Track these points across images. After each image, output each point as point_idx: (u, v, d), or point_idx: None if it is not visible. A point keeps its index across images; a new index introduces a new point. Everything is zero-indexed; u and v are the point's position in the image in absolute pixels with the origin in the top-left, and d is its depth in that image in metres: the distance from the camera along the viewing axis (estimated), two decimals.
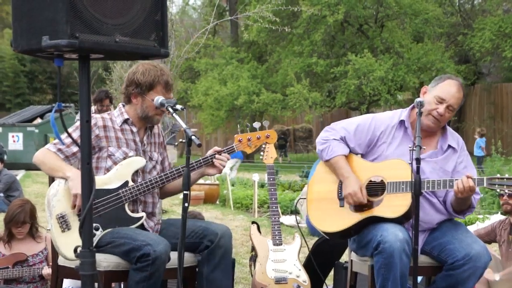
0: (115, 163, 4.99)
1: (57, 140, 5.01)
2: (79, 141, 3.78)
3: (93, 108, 10.67)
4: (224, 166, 5.16)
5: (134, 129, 5.11)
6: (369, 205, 5.02)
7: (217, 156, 5.12)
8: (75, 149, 4.95)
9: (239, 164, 20.59)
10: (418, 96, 5.19)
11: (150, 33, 3.43)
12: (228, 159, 5.19)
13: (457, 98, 5.05)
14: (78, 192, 4.73)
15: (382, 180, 5.02)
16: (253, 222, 6.64)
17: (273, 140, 5.49)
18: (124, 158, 5.01)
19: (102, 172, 4.95)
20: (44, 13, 3.13)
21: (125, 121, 5.10)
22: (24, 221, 6.50)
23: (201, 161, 5.11)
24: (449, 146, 5.17)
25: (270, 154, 6.30)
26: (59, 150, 4.94)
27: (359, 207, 5.04)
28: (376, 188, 5.04)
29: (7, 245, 6.55)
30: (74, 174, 4.81)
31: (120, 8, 3.30)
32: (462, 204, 4.94)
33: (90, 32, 3.17)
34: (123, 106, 5.17)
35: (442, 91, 5.06)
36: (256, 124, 5.44)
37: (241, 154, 20.21)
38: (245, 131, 5.39)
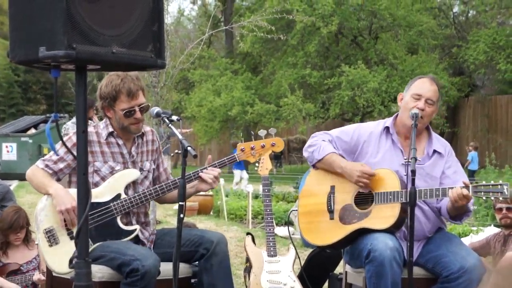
0: (102, 178, 4.95)
1: (46, 156, 5.00)
2: (72, 151, 3.78)
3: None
4: (214, 180, 5.03)
5: (120, 142, 5.04)
6: (359, 216, 5.02)
7: (204, 170, 5.03)
8: (61, 165, 4.92)
9: (246, 177, 20.56)
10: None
11: (147, 44, 3.43)
12: (219, 173, 5.06)
13: (432, 90, 5.11)
14: (61, 208, 4.72)
15: (370, 191, 5.02)
16: (247, 233, 6.64)
17: (280, 148, 5.37)
18: (111, 173, 4.96)
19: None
20: (41, 23, 3.13)
21: (111, 133, 5.03)
22: (22, 225, 6.51)
23: (191, 174, 5.04)
24: (435, 151, 5.18)
25: (265, 165, 6.30)
26: (47, 166, 4.92)
27: (348, 220, 5.03)
28: (365, 199, 5.05)
29: (4, 255, 6.54)
30: (56, 191, 4.79)
31: (118, 19, 3.30)
32: (458, 210, 4.94)
33: (87, 43, 3.16)
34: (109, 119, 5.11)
35: (416, 88, 5.13)
36: (262, 132, 5.40)
37: (242, 165, 20.17)
38: (240, 142, 5.34)
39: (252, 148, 5.25)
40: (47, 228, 4.80)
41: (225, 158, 5.15)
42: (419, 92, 5.08)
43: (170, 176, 5.35)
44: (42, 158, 5.00)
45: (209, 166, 5.05)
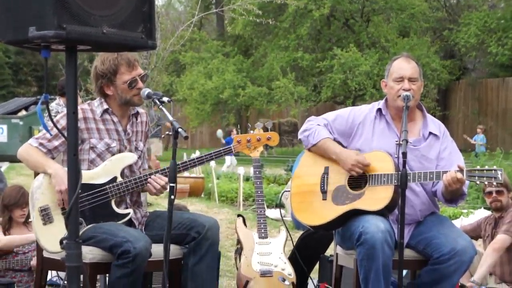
0: (98, 155, 4.95)
1: (39, 134, 4.98)
2: (62, 133, 3.78)
3: (62, 100, 10.46)
4: (160, 190, 4.95)
5: (115, 119, 5.04)
6: (352, 197, 5.03)
7: (152, 177, 4.97)
8: (56, 142, 4.90)
9: (235, 162, 20.54)
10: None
11: (137, 24, 3.41)
12: (165, 182, 4.94)
13: (411, 68, 5.10)
14: (61, 188, 4.71)
15: (364, 173, 5.03)
16: (238, 215, 6.64)
17: (275, 143, 5.39)
18: (107, 150, 4.97)
19: (85, 165, 4.90)
20: (31, 3, 3.11)
21: (105, 111, 5.02)
22: (27, 202, 6.50)
23: (204, 157, 5.08)
24: (430, 133, 5.17)
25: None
26: (41, 144, 4.89)
27: (340, 200, 5.04)
28: (358, 181, 5.06)
29: (7, 233, 6.54)
30: (56, 170, 4.78)
31: (108, 0, 3.29)
32: (453, 193, 4.94)
33: (77, 23, 3.14)
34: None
35: (396, 72, 5.11)
36: (258, 125, 5.40)
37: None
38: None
39: (248, 141, 5.26)
40: (42, 206, 4.80)
41: (221, 149, 5.16)
42: (400, 74, 5.07)
43: (145, 160, 5.35)
44: (35, 137, 4.97)
45: (206, 157, 5.10)
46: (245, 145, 5.26)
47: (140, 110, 5.26)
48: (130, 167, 5.05)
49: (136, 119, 5.18)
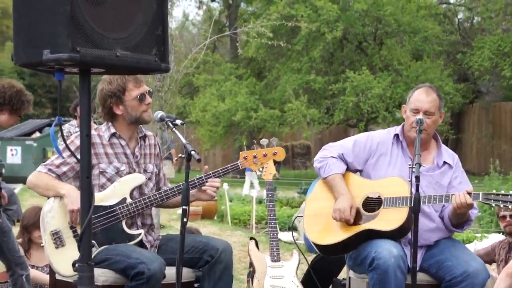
0: (109, 179, 4.98)
1: (47, 161, 5.01)
2: (75, 154, 3.79)
3: (75, 122, 10.55)
4: (215, 191, 5.09)
5: (123, 142, 5.08)
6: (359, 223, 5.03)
7: (209, 180, 5.05)
8: (65, 168, 4.93)
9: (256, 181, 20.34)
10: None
11: (151, 47, 3.42)
12: (218, 184, 5.10)
13: (429, 101, 5.12)
14: (74, 208, 4.72)
15: (379, 196, 5.03)
16: (251, 238, 6.63)
17: (281, 158, 5.36)
18: (117, 173, 4.99)
19: (96, 190, 4.90)
20: (45, 26, 3.13)
21: (113, 134, 5.06)
22: None
23: (211, 174, 5.08)
24: (445, 163, 5.24)
25: (269, 170, 6.29)
26: (50, 170, 4.93)
27: (354, 221, 5.05)
28: (373, 204, 5.06)
29: (27, 254, 6.56)
30: (69, 191, 4.80)
31: (121, 22, 3.30)
32: (460, 218, 4.96)
33: (91, 46, 3.16)
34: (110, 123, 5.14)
35: (413, 103, 5.15)
36: (264, 141, 5.40)
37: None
38: (243, 149, 5.34)
39: (254, 157, 5.25)
40: (53, 230, 4.81)
41: (229, 166, 5.16)
42: (416, 107, 5.12)
43: (167, 181, 5.38)
44: (43, 164, 5.01)
45: (213, 174, 5.08)
46: (252, 161, 5.24)
47: (148, 132, 5.30)
48: (139, 188, 5.06)
49: (144, 142, 5.21)
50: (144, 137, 5.20)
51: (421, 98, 5.13)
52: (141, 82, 5.04)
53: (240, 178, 22.98)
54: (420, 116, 5.01)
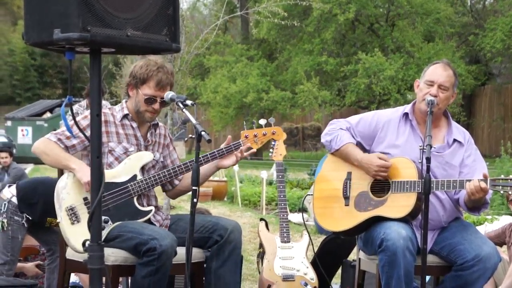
0: (116, 158, 5.02)
1: (57, 131, 5.01)
2: (84, 133, 3.80)
3: (84, 102, 10.62)
4: (239, 157, 5.19)
5: (134, 125, 5.11)
6: (374, 204, 5.01)
7: (236, 152, 5.17)
8: (74, 141, 4.95)
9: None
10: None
11: (162, 27, 3.42)
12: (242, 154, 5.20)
13: (445, 76, 5.08)
14: (89, 179, 4.74)
15: (387, 179, 5.01)
16: (261, 219, 6.64)
17: (279, 137, 5.43)
18: (125, 153, 5.03)
19: (104, 168, 4.93)
20: (56, 6, 3.13)
21: (125, 116, 5.10)
22: None
23: (216, 153, 5.14)
24: (455, 140, 5.16)
25: (279, 151, 6.29)
26: (59, 140, 4.93)
27: (363, 207, 5.03)
28: (381, 187, 5.04)
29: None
30: (79, 165, 4.84)
31: (132, 2, 3.30)
32: (476, 202, 4.91)
33: (101, 25, 3.16)
34: (125, 102, 5.18)
35: (430, 75, 5.10)
36: (262, 121, 5.42)
37: None
38: (251, 128, 5.37)
39: (255, 136, 5.30)
40: (69, 206, 4.83)
41: (231, 144, 5.20)
42: (432, 79, 5.06)
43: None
44: (54, 132, 5.01)
45: (217, 152, 5.15)
46: (253, 140, 5.30)
47: (160, 123, 5.35)
48: (146, 169, 5.07)
49: (155, 130, 5.24)
50: (156, 125, 5.26)
51: (438, 71, 5.09)
52: (162, 87, 4.98)
53: (250, 159, 22.96)
54: (431, 97, 4.96)
